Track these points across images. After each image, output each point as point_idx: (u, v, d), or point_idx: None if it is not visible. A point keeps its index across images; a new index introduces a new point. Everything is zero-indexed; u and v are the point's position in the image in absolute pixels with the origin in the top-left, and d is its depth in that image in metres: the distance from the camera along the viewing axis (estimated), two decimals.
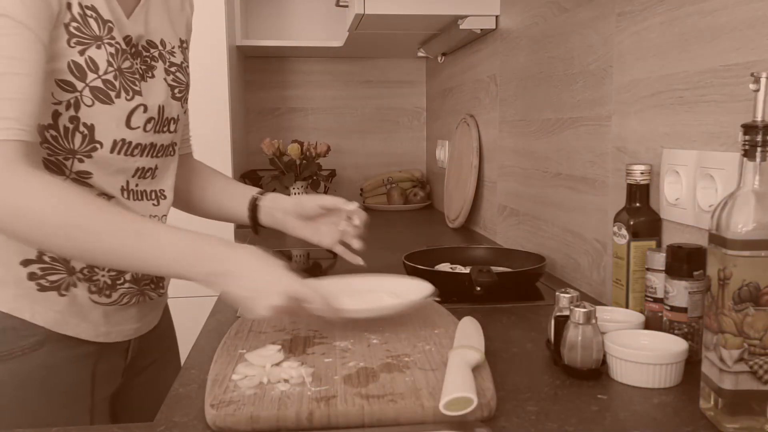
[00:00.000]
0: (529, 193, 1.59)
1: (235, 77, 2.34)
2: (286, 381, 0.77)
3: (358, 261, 1.11)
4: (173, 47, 1.02)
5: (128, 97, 0.90)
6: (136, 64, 0.94)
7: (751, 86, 0.68)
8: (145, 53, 0.96)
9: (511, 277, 1.27)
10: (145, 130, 0.93)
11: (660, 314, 0.92)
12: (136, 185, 0.96)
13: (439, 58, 2.39)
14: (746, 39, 0.84)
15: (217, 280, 0.82)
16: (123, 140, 0.91)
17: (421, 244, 1.81)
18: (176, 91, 1.00)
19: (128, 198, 0.95)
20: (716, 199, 0.89)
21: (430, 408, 0.71)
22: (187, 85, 1.04)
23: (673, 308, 0.88)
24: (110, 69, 0.88)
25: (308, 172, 2.25)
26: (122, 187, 0.94)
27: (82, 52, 0.86)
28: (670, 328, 0.88)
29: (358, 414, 0.70)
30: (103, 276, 0.94)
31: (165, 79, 0.98)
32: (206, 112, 2.15)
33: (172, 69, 1.00)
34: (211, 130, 2.14)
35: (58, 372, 0.92)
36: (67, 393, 0.93)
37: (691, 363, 0.82)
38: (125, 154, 0.92)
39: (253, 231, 1.16)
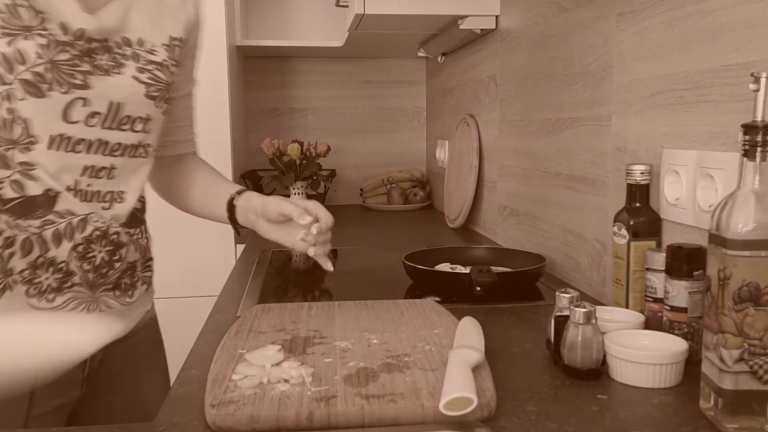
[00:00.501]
0: (529, 193, 1.59)
1: (235, 77, 2.34)
2: (286, 381, 0.77)
3: (328, 267, 1.04)
4: (154, 46, 0.96)
5: (63, 90, 0.85)
6: (102, 59, 0.89)
7: (751, 86, 0.68)
8: (116, 50, 0.91)
9: (511, 277, 1.27)
10: (87, 124, 0.89)
11: (660, 314, 0.92)
12: (89, 185, 0.91)
13: (439, 58, 2.39)
14: (746, 39, 0.84)
15: None
16: (61, 135, 0.87)
17: (421, 244, 1.81)
18: (151, 89, 0.95)
19: (75, 197, 0.90)
20: (716, 199, 0.89)
21: (430, 408, 0.71)
22: (168, 85, 0.99)
23: (673, 308, 0.88)
24: (39, 61, 0.83)
25: (308, 172, 2.25)
26: (68, 186, 0.89)
27: (9, 43, 0.82)
28: (670, 328, 0.88)
29: (358, 414, 0.70)
30: (47, 278, 0.89)
31: (136, 77, 0.93)
32: (206, 112, 2.14)
33: (149, 67, 0.95)
34: (211, 130, 2.14)
35: None
36: None
37: (691, 363, 0.82)
38: (66, 150, 0.88)
39: (236, 232, 1.13)
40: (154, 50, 0.96)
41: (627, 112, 1.13)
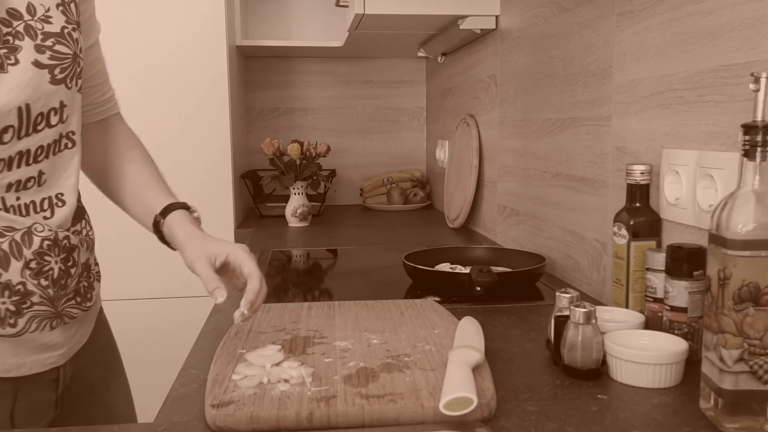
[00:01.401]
0: (529, 193, 1.59)
1: (235, 77, 2.34)
2: (286, 381, 0.77)
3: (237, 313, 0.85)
4: (47, 10, 0.80)
5: None
6: None
7: (751, 86, 0.68)
8: (5, 29, 0.76)
9: (511, 277, 1.27)
10: (2, 142, 0.76)
11: (660, 314, 0.92)
12: (18, 198, 0.80)
13: (439, 58, 2.39)
14: (746, 39, 0.84)
15: None
16: None
17: (421, 244, 1.81)
18: (56, 71, 0.80)
19: (11, 213, 0.80)
20: (716, 199, 0.89)
21: (430, 408, 0.71)
22: (75, 56, 0.83)
23: (673, 308, 0.88)
24: None
25: (308, 172, 2.25)
26: None
27: None
28: (670, 328, 0.88)
29: (358, 414, 0.70)
30: (3, 303, 0.80)
31: (37, 61, 0.78)
32: (206, 112, 2.15)
33: (48, 42, 0.79)
34: (211, 130, 2.14)
35: None
36: None
37: (691, 363, 0.82)
38: None
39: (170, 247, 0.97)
40: (48, 17, 0.80)
41: (627, 112, 1.13)
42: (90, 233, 0.96)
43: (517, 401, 0.77)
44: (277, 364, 0.81)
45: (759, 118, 0.67)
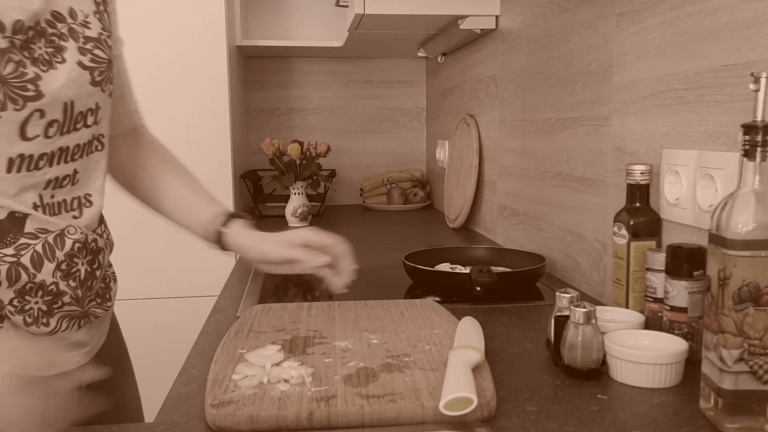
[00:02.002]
0: (529, 193, 1.59)
1: (235, 77, 2.34)
2: (286, 381, 0.77)
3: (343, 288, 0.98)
4: (87, 16, 0.84)
5: (17, 107, 0.76)
6: (40, 48, 0.78)
7: (751, 86, 0.68)
8: (51, 30, 0.79)
9: (511, 277, 1.27)
10: (47, 136, 0.80)
11: (660, 314, 0.92)
12: (52, 197, 0.83)
13: (439, 58, 2.39)
14: (746, 39, 0.84)
15: None
16: (21, 156, 0.78)
17: (421, 244, 1.81)
18: (96, 73, 0.84)
19: (45, 213, 0.82)
20: (716, 199, 0.89)
21: (430, 408, 0.71)
22: (110, 62, 0.87)
23: (673, 308, 0.88)
24: None
25: (308, 172, 2.25)
26: (35, 203, 0.81)
27: None
28: (670, 328, 0.88)
29: (358, 414, 0.70)
30: (36, 303, 0.82)
31: (80, 62, 0.82)
32: (206, 112, 2.15)
33: (88, 46, 0.83)
34: (211, 130, 2.14)
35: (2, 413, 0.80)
36: None
37: (691, 363, 0.82)
38: (28, 170, 0.79)
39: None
40: (87, 23, 0.84)
41: (627, 112, 1.13)
42: (110, 237, 0.99)
43: (517, 401, 0.77)
44: (277, 364, 0.81)
45: (759, 118, 0.67)
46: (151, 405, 1.04)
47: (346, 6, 2.02)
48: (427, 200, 2.72)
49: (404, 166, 2.89)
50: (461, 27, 1.83)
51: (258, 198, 2.50)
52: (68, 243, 0.85)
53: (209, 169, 2.13)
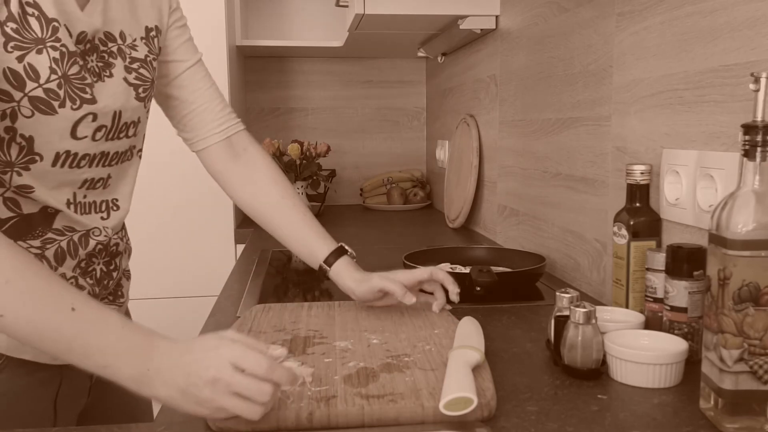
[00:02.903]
0: (529, 193, 1.59)
1: (235, 77, 2.34)
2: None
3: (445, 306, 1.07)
4: (134, 40, 0.91)
5: (74, 106, 0.80)
6: (92, 61, 0.84)
7: (751, 86, 0.68)
8: (102, 47, 0.86)
9: (511, 277, 1.27)
10: (94, 139, 0.85)
11: (660, 314, 0.92)
12: (84, 196, 0.88)
13: (439, 58, 2.38)
14: (746, 39, 0.84)
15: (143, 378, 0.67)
16: (67, 152, 0.82)
17: (421, 244, 1.81)
18: (140, 90, 0.91)
19: (75, 211, 0.87)
20: (716, 199, 0.89)
21: (430, 408, 0.71)
22: (152, 82, 0.95)
23: (673, 308, 0.88)
24: (53, 77, 0.77)
25: (308, 172, 2.25)
26: (68, 200, 0.85)
27: (20, 58, 0.75)
28: (670, 328, 0.88)
29: (358, 414, 0.70)
30: None
31: (126, 78, 0.89)
32: None
33: (134, 65, 0.90)
34: None
35: (18, 400, 0.86)
36: (27, 423, 0.86)
37: (691, 363, 0.82)
38: (70, 167, 0.84)
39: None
40: (135, 45, 0.91)
41: (627, 112, 1.13)
42: (129, 242, 1.04)
43: (517, 401, 0.77)
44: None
45: (759, 118, 0.67)
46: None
47: (346, 6, 2.02)
48: (427, 200, 2.72)
49: (404, 166, 2.89)
50: (461, 27, 1.83)
51: None
52: (92, 243, 0.89)
53: None
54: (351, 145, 2.86)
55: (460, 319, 0.97)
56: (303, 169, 2.25)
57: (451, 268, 1.40)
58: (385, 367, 0.82)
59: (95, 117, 0.83)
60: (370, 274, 1.05)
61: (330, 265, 1.06)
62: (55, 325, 0.66)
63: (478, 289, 1.16)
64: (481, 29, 1.84)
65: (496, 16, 1.80)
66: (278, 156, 2.25)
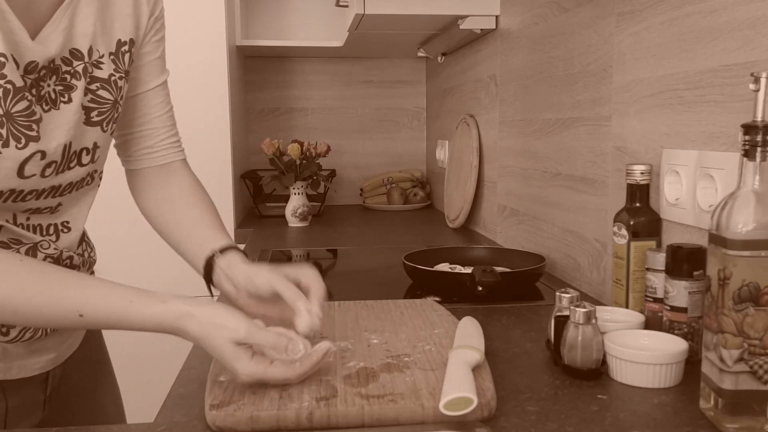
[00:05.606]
0: (529, 193, 1.60)
1: (235, 77, 2.34)
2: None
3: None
4: (101, 56, 0.84)
5: (19, 146, 0.74)
6: (50, 86, 0.78)
7: (751, 86, 0.68)
8: (65, 68, 0.80)
9: (511, 277, 1.27)
10: (43, 176, 0.79)
11: (660, 314, 0.92)
12: (27, 219, 0.83)
13: (439, 58, 2.38)
14: (746, 39, 0.84)
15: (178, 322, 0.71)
16: (12, 190, 0.77)
17: (421, 244, 1.81)
18: (93, 114, 0.83)
19: (20, 227, 0.82)
20: (716, 199, 0.89)
21: (430, 408, 0.71)
22: (115, 103, 0.86)
23: (673, 308, 0.88)
24: None
25: (308, 172, 2.25)
26: (7, 220, 0.80)
27: None
28: (670, 328, 0.88)
29: (358, 414, 0.70)
30: None
31: (81, 103, 0.82)
32: (206, 112, 2.15)
33: (93, 87, 0.83)
34: (211, 130, 2.14)
35: None
36: None
37: (691, 363, 0.82)
38: (14, 201, 0.79)
39: (209, 291, 0.94)
40: (100, 63, 0.84)
41: (627, 112, 1.13)
42: (92, 254, 0.98)
43: (517, 401, 0.77)
44: None
45: (759, 118, 0.67)
46: (151, 405, 1.04)
47: (346, 6, 2.02)
48: (427, 200, 2.72)
49: (404, 166, 2.89)
50: (461, 27, 1.83)
51: (258, 198, 2.50)
52: (40, 257, 0.84)
53: (209, 169, 2.13)
54: (351, 145, 2.86)
55: (460, 319, 0.97)
56: (303, 169, 2.25)
57: (450, 268, 1.40)
58: (385, 367, 0.82)
59: (44, 155, 0.78)
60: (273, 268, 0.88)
61: (223, 253, 0.91)
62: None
63: (480, 288, 1.16)
64: (481, 29, 1.84)
65: (496, 16, 1.80)
66: (278, 156, 2.25)
